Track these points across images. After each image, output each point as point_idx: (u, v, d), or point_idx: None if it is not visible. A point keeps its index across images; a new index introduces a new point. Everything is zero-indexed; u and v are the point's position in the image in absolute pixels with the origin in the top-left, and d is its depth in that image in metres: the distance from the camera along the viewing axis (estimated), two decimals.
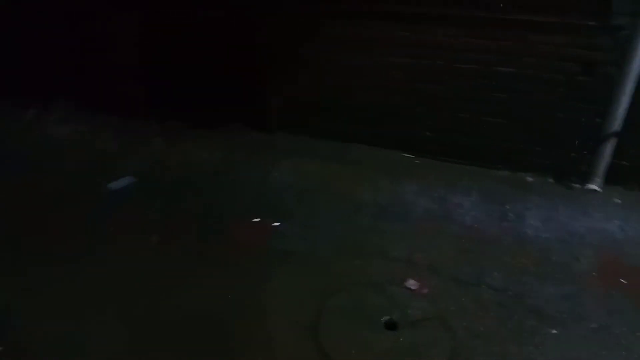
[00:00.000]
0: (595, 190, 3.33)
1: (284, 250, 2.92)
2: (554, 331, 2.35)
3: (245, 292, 2.60)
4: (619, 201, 3.23)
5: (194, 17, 3.97)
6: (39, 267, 2.74)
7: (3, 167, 3.74)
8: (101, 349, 2.25)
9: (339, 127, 3.95)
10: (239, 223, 3.17)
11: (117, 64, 4.32)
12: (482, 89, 3.47)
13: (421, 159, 3.77)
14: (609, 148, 3.27)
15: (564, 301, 2.53)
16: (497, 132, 3.54)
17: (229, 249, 2.93)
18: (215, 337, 2.31)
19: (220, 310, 2.47)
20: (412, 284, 2.64)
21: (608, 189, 3.33)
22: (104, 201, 3.39)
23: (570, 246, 2.90)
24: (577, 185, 3.40)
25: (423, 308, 2.49)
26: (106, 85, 4.38)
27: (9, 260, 2.82)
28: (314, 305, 2.48)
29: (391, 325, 2.39)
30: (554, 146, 3.44)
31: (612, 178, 3.33)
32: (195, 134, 4.13)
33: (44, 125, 4.34)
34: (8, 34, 4.58)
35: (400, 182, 3.50)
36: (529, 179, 3.51)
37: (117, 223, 3.16)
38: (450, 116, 3.64)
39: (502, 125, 3.52)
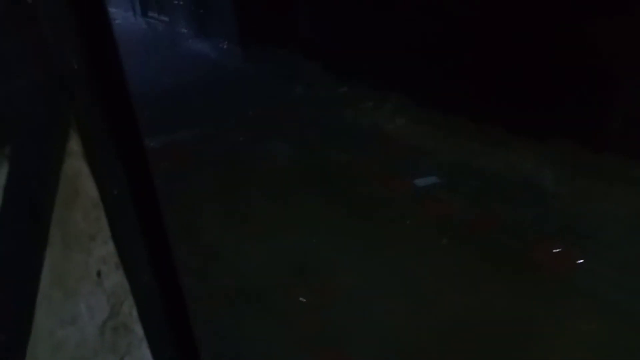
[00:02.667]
0: None
1: (589, 291, 2.48)
2: None
3: (536, 320, 2.35)
4: None
5: None
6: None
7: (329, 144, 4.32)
8: None
9: None
10: (543, 246, 2.84)
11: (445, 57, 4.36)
12: None
13: None
14: None
15: None
16: None
17: (527, 272, 2.68)
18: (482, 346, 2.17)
19: (503, 330, 2.30)
20: None
21: None
22: (407, 193, 3.54)
23: None
24: None
25: None
26: (437, 84, 4.51)
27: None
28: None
29: None
30: None
31: None
32: (513, 142, 3.87)
33: (378, 116, 4.80)
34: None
35: None
36: None
37: (414, 216, 3.27)
38: None
39: None
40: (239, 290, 2.81)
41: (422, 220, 3.25)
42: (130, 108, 0.90)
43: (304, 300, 2.73)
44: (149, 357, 1.02)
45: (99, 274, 0.89)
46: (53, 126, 0.78)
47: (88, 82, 0.82)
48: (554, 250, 2.81)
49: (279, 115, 5.07)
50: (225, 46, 7.24)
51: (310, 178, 3.86)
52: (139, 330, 0.98)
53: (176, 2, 8.19)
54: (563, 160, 3.49)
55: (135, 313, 0.96)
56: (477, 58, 4.14)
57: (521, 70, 3.79)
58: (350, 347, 2.38)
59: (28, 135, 0.74)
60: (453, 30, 4.26)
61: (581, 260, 2.70)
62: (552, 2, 3.52)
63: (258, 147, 4.46)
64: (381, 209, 3.39)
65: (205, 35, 7.61)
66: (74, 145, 0.82)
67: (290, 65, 5.98)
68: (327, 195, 3.60)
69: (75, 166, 0.83)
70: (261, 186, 3.79)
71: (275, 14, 6.26)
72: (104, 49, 0.85)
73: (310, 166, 4.03)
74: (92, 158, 0.86)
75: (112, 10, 8.48)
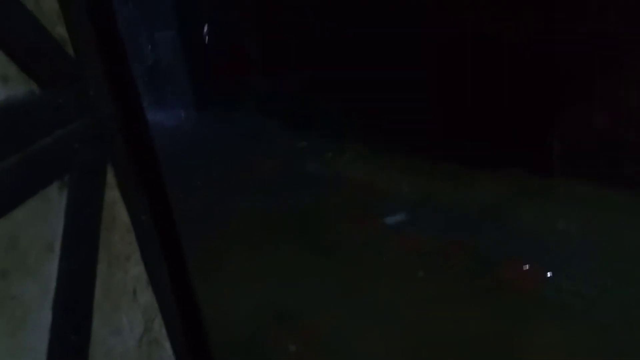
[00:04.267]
0: None
1: (557, 303, 2.68)
2: None
3: (512, 335, 2.50)
4: None
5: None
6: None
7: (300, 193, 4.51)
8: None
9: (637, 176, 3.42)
10: (510, 266, 3.05)
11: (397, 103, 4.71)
12: None
13: None
14: None
15: None
16: None
17: (498, 291, 2.86)
18: None
19: (484, 347, 2.44)
20: None
21: None
22: (378, 232, 3.73)
23: None
24: None
25: None
26: (392, 129, 4.84)
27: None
28: None
29: None
30: None
31: None
32: (469, 175, 4.17)
33: (338, 164, 5.06)
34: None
35: None
36: None
37: (388, 253, 3.44)
38: None
39: None
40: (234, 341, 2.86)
41: (397, 255, 3.42)
42: (152, 146, 1.05)
43: (294, 348, 2.80)
44: None
45: (134, 291, 1.00)
46: (98, 160, 0.92)
47: (121, 126, 0.97)
48: (522, 269, 3.03)
49: (245, 172, 5.24)
50: (183, 114, 7.48)
51: (284, 229, 3.99)
52: (168, 346, 1.07)
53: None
54: (518, 186, 3.80)
55: (164, 330, 1.06)
56: (423, 103, 4.52)
57: (467, 110, 4.18)
58: None
59: (80, 168, 0.87)
60: (396, 80, 4.63)
61: (548, 274, 2.93)
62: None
63: (230, 205, 4.58)
64: (356, 249, 3.55)
65: (164, 105, 7.83)
66: (110, 177, 0.95)
67: (249, 126, 6.26)
68: (303, 243, 3.73)
69: (111, 195, 0.96)
70: (236, 239, 3.89)
71: (231, 80, 6.59)
72: (132, 99, 1.01)
73: (282, 217, 4.17)
74: (124, 188, 1.00)
75: None
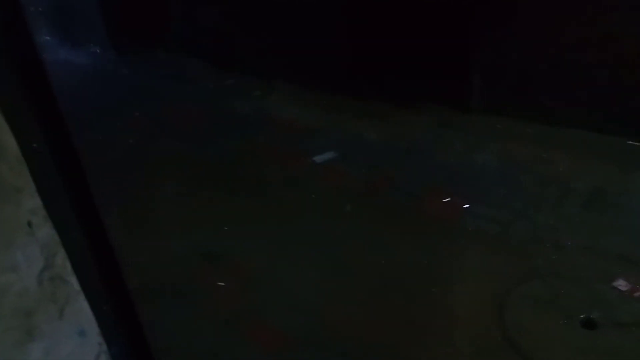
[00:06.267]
0: None
1: (475, 229, 2.84)
2: None
3: (435, 261, 2.63)
4: None
5: None
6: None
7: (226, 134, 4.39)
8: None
9: (552, 108, 3.60)
10: (432, 198, 3.17)
11: (323, 42, 4.63)
12: None
13: None
14: None
15: None
16: None
17: (421, 221, 2.98)
18: (400, 298, 2.40)
19: (406, 274, 2.55)
20: (622, 284, 2.31)
21: None
22: (308, 170, 3.73)
23: None
24: None
25: (633, 312, 2.16)
26: (319, 67, 4.76)
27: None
28: (504, 287, 2.38)
29: (589, 324, 2.14)
30: None
31: None
32: (395, 113, 4.22)
33: (267, 103, 4.93)
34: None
35: (622, 172, 3.05)
36: None
37: (317, 190, 3.46)
38: None
39: None
40: (158, 283, 2.80)
41: (326, 192, 3.44)
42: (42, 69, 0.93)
43: (223, 284, 2.79)
44: (88, 308, 1.05)
45: (29, 224, 0.91)
46: None
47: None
48: (443, 200, 3.15)
49: (169, 113, 5.00)
50: (98, 51, 6.94)
51: (211, 170, 3.89)
52: (74, 282, 1.01)
53: (33, 8, 7.59)
54: (439, 121, 3.91)
55: (69, 265, 0.99)
56: (346, 41, 4.46)
57: (390, 48, 4.17)
58: (276, 320, 2.49)
59: None
60: (318, 18, 4.51)
61: (467, 205, 3.07)
62: None
63: (151, 147, 4.38)
64: (286, 188, 3.54)
65: (75, 42, 7.20)
66: None
67: (171, 64, 5.92)
68: (231, 184, 3.66)
69: None
70: (162, 184, 3.75)
71: (148, 14, 6.13)
72: None
73: (209, 158, 4.05)
74: (9, 112, 0.89)
75: None
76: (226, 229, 3.19)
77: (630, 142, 3.31)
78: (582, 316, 2.18)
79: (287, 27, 4.86)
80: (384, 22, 4.14)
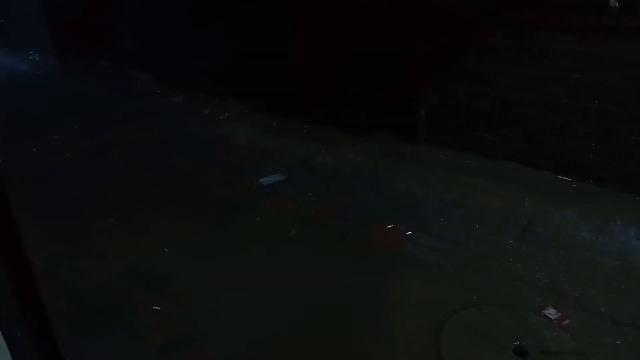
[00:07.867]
0: None
1: (416, 258, 2.89)
2: None
3: (374, 288, 2.65)
4: None
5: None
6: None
7: (177, 155, 4.30)
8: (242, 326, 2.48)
9: (490, 142, 3.78)
10: (376, 226, 3.21)
11: (276, 66, 4.66)
12: None
13: (579, 183, 3.42)
14: None
15: None
16: None
17: (364, 248, 3.00)
18: (339, 324, 2.40)
19: (348, 300, 2.56)
20: (551, 312, 2.42)
21: None
22: (254, 193, 3.69)
23: None
24: None
25: (561, 340, 2.26)
26: (270, 90, 4.78)
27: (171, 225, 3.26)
28: (440, 314, 2.43)
29: (521, 352, 2.22)
30: None
31: None
32: (344, 139, 4.28)
33: (216, 123, 4.87)
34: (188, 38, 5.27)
35: (552, 205, 3.22)
36: None
37: (262, 213, 3.43)
38: (624, 140, 3.26)
39: None
40: (89, 306, 2.66)
41: (271, 215, 3.41)
42: None
43: (159, 308, 2.69)
44: None
45: None
46: None
47: None
48: (386, 227, 3.21)
49: (111, 128, 4.84)
50: (37, 58, 6.66)
51: (152, 189, 3.77)
52: None
53: None
54: (386, 151, 4.01)
55: None
56: (298, 68, 4.52)
57: (342, 76, 4.25)
58: (212, 346, 2.42)
59: None
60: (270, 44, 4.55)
61: (409, 232, 3.13)
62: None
63: (90, 162, 4.21)
64: (230, 210, 3.48)
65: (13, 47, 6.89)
66: None
67: (116, 75, 5.76)
68: (173, 204, 3.56)
69: None
70: (99, 202, 3.60)
71: (96, 27, 5.96)
72: None
73: (151, 177, 3.94)
74: None
75: None
76: (166, 250, 3.09)
77: (560, 177, 3.51)
78: (514, 344, 2.25)
79: (239, 49, 4.86)
80: (334, 55, 4.23)
